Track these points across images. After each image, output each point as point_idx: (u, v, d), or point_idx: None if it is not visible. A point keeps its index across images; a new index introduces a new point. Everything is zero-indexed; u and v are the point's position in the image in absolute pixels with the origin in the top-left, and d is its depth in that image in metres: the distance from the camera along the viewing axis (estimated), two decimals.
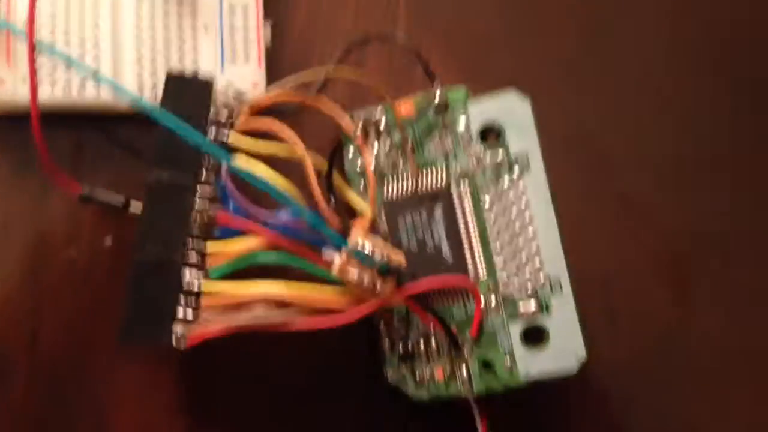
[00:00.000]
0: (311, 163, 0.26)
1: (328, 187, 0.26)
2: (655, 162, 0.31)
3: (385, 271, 0.23)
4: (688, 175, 0.31)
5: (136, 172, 0.27)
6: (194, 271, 0.25)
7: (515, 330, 0.25)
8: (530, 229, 0.25)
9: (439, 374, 0.26)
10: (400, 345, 0.27)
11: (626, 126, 0.32)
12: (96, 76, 0.26)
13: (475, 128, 0.26)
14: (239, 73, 0.28)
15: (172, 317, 0.25)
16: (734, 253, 0.31)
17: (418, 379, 0.26)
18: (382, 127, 0.27)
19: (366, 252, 0.23)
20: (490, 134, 0.26)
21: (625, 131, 0.32)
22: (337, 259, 0.24)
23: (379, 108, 0.28)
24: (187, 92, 0.26)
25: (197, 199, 0.25)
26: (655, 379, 0.29)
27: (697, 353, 0.30)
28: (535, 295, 0.25)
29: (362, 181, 0.27)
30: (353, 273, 0.24)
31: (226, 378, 0.28)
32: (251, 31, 0.28)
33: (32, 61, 0.25)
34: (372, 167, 0.27)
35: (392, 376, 0.27)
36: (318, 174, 0.26)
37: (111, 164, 0.28)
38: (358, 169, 0.28)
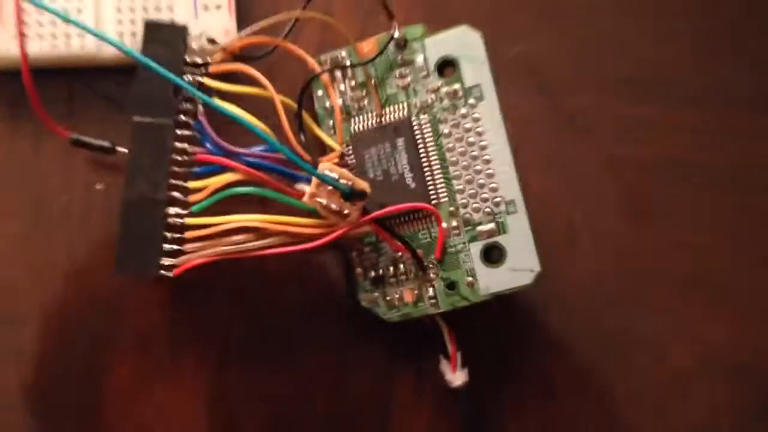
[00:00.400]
0: (281, 103, 0.27)
1: (299, 126, 0.28)
2: (606, 87, 0.33)
3: (350, 193, 0.25)
4: (638, 97, 0.33)
5: (123, 122, 0.29)
6: (178, 207, 0.27)
7: (475, 250, 0.27)
8: (485, 154, 0.27)
9: (408, 296, 0.28)
10: (372, 271, 0.29)
11: (571, 55, 0.33)
12: (81, 25, 0.27)
13: (432, 63, 0.28)
14: (212, 21, 0.29)
15: (160, 250, 0.27)
16: (692, 174, 0.32)
17: (388, 301, 0.29)
18: (347, 66, 0.29)
19: (332, 176, 0.25)
20: (447, 68, 0.28)
21: (571, 60, 0.33)
22: (308, 188, 0.26)
23: (345, 50, 0.29)
24: (165, 39, 0.28)
25: (177, 140, 0.27)
26: (616, 297, 0.31)
27: (655, 272, 0.32)
28: (492, 216, 0.27)
29: (331, 120, 0.29)
30: (322, 201, 0.26)
31: (213, 316, 0.30)
32: None
33: (20, 15, 0.27)
34: (339, 105, 0.29)
35: (365, 300, 0.29)
36: (288, 114, 0.28)
37: (99, 116, 0.30)
38: (326, 107, 0.30)
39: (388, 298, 0.28)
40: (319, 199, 0.26)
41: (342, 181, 0.26)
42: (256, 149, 0.27)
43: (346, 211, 0.26)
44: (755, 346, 0.31)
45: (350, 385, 0.30)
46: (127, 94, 0.27)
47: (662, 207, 0.32)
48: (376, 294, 0.29)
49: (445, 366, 0.29)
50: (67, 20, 0.27)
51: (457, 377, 0.28)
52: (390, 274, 0.28)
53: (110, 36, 0.28)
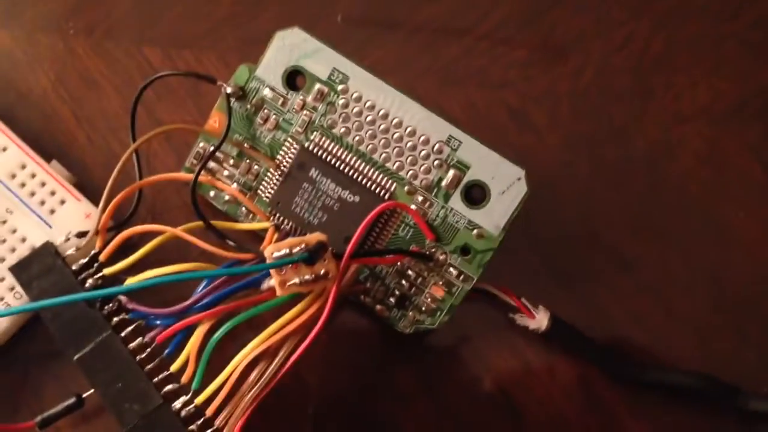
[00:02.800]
0: (184, 232, 0.25)
1: (220, 237, 0.26)
2: None
3: (311, 255, 0.23)
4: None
5: (72, 372, 0.27)
6: (181, 397, 0.25)
7: (457, 204, 0.26)
8: (392, 119, 0.26)
9: (438, 292, 0.26)
10: (390, 298, 0.27)
11: None
12: None
13: (279, 86, 0.26)
14: (67, 217, 0.27)
15: None
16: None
17: (426, 310, 0.26)
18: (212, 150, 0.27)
19: (283, 255, 0.23)
20: (297, 78, 0.26)
21: None
22: (272, 281, 0.24)
23: (199, 139, 0.27)
24: (40, 268, 0.26)
25: (128, 342, 0.25)
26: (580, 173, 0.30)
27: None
28: (445, 163, 0.25)
29: (241, 207, 0.27)
30: (295, 281, 0.24)
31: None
32: (46, 178, 0.27)
33: None
34: (235, 189, 0.27)
35: (407, 327, 0.27)
36: (203, 233, 0.26)
37: (51, 377, 0.28)
38: (227, 200, 0.27)
39: (423, 308, 0.26)
40: (291, 283, 0.23)
41: (295, 250, 0.23)
42: (200, 289, 0.25)
43: (323, 272, 0.24)
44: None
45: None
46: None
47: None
48: (411, 313, 0.27)
49: (522, 320, 0.27)
50: None
51: (540, 320, 0.26)
52: (407, 288, 0.26)
53: None
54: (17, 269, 0.26)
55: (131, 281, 0.25)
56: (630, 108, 0.31)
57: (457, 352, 0.28)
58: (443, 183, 0.26)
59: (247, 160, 0.27)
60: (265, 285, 0.25)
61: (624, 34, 0.31)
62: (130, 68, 0.31)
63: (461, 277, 0.26)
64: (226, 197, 0.27)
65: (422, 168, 0.26)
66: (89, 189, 0.29)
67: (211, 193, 0.28)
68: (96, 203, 0.28)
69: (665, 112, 0.31)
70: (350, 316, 0.29)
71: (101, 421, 0.28)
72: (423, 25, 0.32)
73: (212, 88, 0.29)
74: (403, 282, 0.27)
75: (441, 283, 0.26)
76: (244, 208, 0.27)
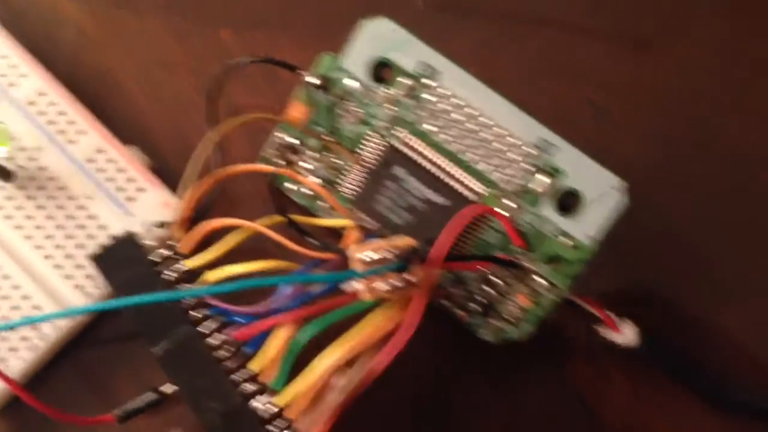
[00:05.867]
0: (266, 227, 0.25)
1: (301, 233, 0.25)
2: None
3: (404, 264, 0.22)
4: None
5: (146, 360, 0.26)
6: (260, 396, 0.24)
7: (549, 210, 0.25)
8: (483, 119, 0.24)
9: (524, 301, 0.26)
10: (472, 304, 0.26)
11: None
12: (45, 318, 0.25)
13: (365, 77, 0.25)
14: (146, 206, 0.27)
15: None
16: None
17: (511, 319, 0.26)
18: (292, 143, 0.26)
19: (374, 260, 0.22)
20: (384, 70, 0.26)
21: None
22: (359, 285, 0.23)
23: (278, 130, 0.26)
24: (120, 258, 0.25)
25: (209, 339, 0.25)
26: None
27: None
28: (536, 167, 0.24)
29: (320, 202, 0.27)
30: (382, 286, 0.23)
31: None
32: (125, 165, 0.27)
33: None
34: (316, 183, 0.26)
35: (490, 335, 0.26)
36: (282, 229, 0.25)
37: (123, 368, 0.28)
38: (306, 194, 0.27)
39: (507, 317, 0.26)
40: (380, 289, 0.23)
41: (386, 255, 0.22)
42: (282, 291, 0.24)
43: (413, 279, 0.23)
44: None
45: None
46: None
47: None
48: (494, 322, 0.26)
49: (607, 333, 0.26)
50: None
51: (627, 334, 0.25)
52: (491, 295, 0.26)
53: (71, 297, 0.26)
54: (98, 258, 0.25)
55: (211, 276, 0.25)
56: (712, 104, 0.29)
57: (536, 361, 0.27)
58: (534, 188, 0.25)
59: (327, 153, 0.26)
60: (348, 288, 0.24)
61: (707, 29, 0.30)
62: (204, 49, 0.30)
63: (549, 288, 0.25)
64: (306, 191, 0.27)
65: (512, 172, 0.25)
66: (164, 173, 0.28)
67: (289, 185, 0.27)
68: (171, 188, 0.27)
69: (749, 110, 0.29)
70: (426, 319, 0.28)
71: (174, 412, 0.28)
72: (503, 14, 0.30)
73: (288, 72, 0.28)
74: (487, 288, 0.26)
75: (527, 292, 0.25)
76: (320, 202, 0.27)
